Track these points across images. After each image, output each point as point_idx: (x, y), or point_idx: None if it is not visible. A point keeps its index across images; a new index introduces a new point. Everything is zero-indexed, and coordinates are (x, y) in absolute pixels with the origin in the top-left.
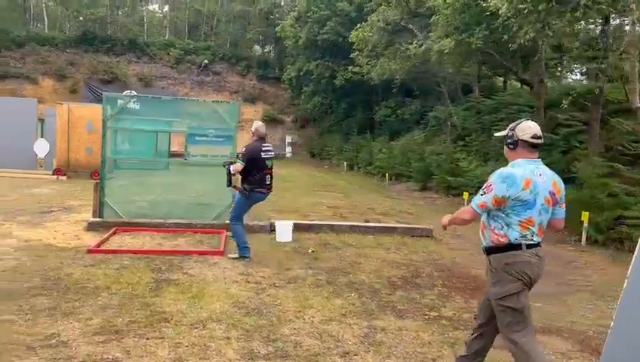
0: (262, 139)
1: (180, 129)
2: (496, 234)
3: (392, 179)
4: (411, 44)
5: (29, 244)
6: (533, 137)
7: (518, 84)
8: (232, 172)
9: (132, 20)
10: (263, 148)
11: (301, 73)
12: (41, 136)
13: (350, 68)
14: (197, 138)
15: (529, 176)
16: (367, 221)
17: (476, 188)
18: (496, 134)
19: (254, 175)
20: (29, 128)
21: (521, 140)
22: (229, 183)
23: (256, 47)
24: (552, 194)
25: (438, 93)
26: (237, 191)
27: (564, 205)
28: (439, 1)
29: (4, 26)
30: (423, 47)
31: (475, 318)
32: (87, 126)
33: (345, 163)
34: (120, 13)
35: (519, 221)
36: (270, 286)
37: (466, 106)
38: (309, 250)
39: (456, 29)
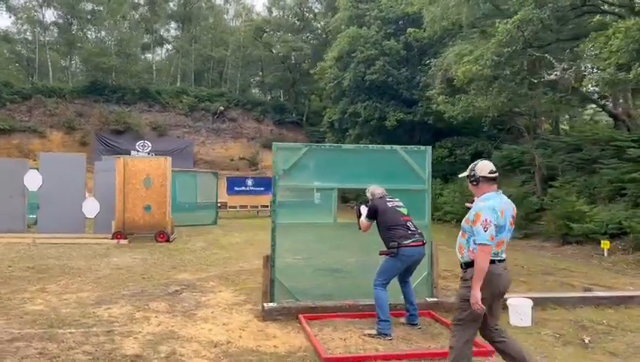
0: (381, 199)
1: (359, 185)
2: (474, 254)
3: None
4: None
5: (226, 351)
6: (490, 173)
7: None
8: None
9: (140, 68)
10: (387, 199)
11: (345, 115)
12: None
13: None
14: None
15: (501, 206)
16: (587, 289)
17: (609, 235)
18: (460, 175)
19: (391, 228)
20: (77, 186)
21: (482, 177)
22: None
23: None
24: (513, 217)
25: (498, 131)
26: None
27: None
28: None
29: (7, 78)
30: (566, 76)
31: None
32: (144, 181)
33: None
34: (128, 61)
35: (495, 243)
36: None
37: (539, 143)
38: (585, 339)
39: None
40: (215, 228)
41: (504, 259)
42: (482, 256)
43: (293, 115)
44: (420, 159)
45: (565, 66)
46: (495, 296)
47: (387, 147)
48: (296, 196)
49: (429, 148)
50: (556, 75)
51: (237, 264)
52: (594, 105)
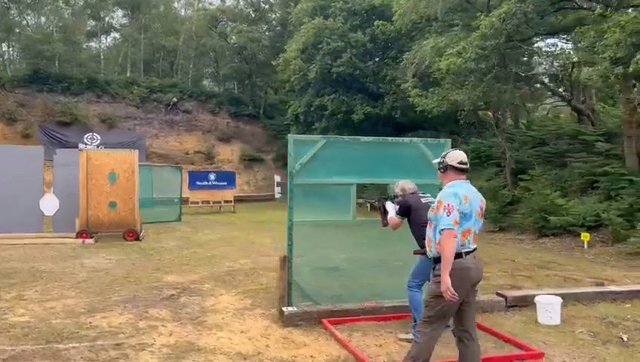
0: (414, 195)
1: (378, 180)
2: (441, 246)
3: None
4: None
5: None
6: (459, 163)
7: None
8: (387, 219)
9: (87, 57)
10: (420, 195)
11: (311, 108)
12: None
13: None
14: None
15: (465, 193)
16: (600, 283)
17: (586, 227)
18: (433, 161)
19: (425, 226)
20: (34, 182)
21: (450, 165)
22: (384, 223)
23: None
24: (481, 208)
25: (461, 125)
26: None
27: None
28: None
29: None
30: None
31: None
32: (108, 176)
33: (369, 203)
34: (73, 49)
35: (461, 232)
36: None
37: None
38: (622, 337)
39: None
40: (180, 224)
41: (473, 250)
42: (448, 241)
43: (250, 107)
44: (439, 153)
45: (556, 61)
46: (466, 290)
47: (407, 140)
48: (308, 193)
49: (449, 140)
50: (545, 69)
51: (223, 264)
52: (558, 100)
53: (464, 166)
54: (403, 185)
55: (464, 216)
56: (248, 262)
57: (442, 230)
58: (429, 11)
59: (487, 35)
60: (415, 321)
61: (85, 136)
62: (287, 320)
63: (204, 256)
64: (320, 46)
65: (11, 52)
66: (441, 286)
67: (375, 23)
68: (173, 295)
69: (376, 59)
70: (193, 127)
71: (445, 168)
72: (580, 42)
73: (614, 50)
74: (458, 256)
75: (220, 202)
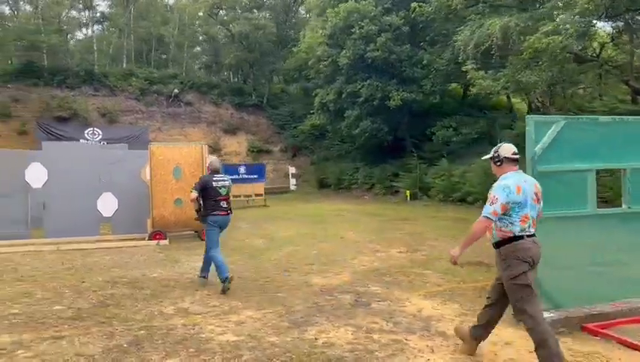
0: (215, 171)
1: (619, 164)
2: (502, 231)
3: None
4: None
5: None
6: (513, 153)
7: None
8: (191, 201)
9: (80, 48)
10: (214, 179)
11: (342, 96)
12: None
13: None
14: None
15: (518, 184)
16: None
17: None
18: (483, 158)
19: (209, 201)
20: (91, 181)
21: (506, 158)
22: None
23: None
24: (536, 194)
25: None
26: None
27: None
28: None
29: None
30: None
31: (487, 298)
32: (173, 172)
33: (407, 192)
34: (67, 40)
35: (519, 218)
36: None
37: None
38: None
39: None
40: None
41: (533, 234)
42: (479, 226)
43: (253, 97)
44: None
45: None
46: (531, 267)
47: None
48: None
49: None
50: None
51: (348, 262)
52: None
53: (517, 156)
54: (212, 161)
55: (519, 205)
56: (373, 259)
57: (482, 216)
58: None
59: (589, 9)
60: (218, 268)
61: (86, 132)
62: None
63: (311, 254)
64: (353, 30)
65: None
66: (450, 251)
67: (412, 5)
68: (357, 301)
69: (411, 44)
70: (197, 119)
71: (501, 161)
72: None
73: None
74: (520, 238)
75: (250, 196)
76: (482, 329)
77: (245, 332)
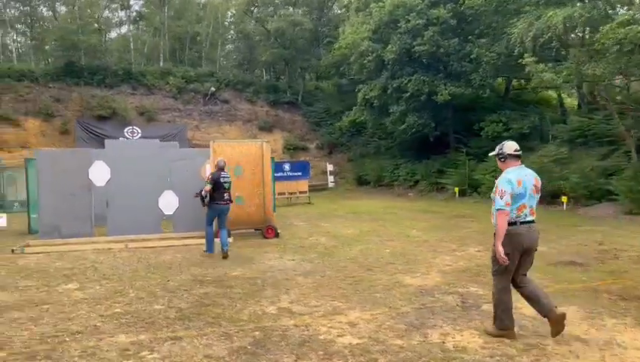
0: (221, 169)
1: None
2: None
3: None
4: None
5: None
6: (515, 150)
7: None
8: (203, 193)
9: (118, 47)
10: (222, 175)
11: (387, 91)
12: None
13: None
14: None
15: (519, 178)
16: None
17: None
18: (490, 154)
19: (216, 193)
20: (154, 179)
21: (509, 154)
22: (203, 203)
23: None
24: (535, 186)
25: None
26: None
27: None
28: None
29: None
30: None
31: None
32: (234, 170)
33: (456, 188)
34: (106, 40)
35: (516, 207)
36: None
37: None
38: None
39: None
40: (280, 218)
41: (529, 221)
42: (500, 219)
43: (288, 94)
44: None
45: None
46: (520, 251)
47: None
48: None
49: None
50: None
51: (430, 261)
52: None
53: (519, 152)
54: (218, 161)
55: (518, 196)
56: (455, 259)
57: (497, 210)
58: None
59: None
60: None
61: (125, 130)
62: None
63: (385, 253)
64: (399, 24)
65: (40, 44)
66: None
67: None
68: (464, 302)
69: (458, 37)
70: (233, 117)
71: (505, 157)
72: None
73: None
74: (513, 224)
75: (294, 193)
76: (539, 305)
77: (365, 335)
